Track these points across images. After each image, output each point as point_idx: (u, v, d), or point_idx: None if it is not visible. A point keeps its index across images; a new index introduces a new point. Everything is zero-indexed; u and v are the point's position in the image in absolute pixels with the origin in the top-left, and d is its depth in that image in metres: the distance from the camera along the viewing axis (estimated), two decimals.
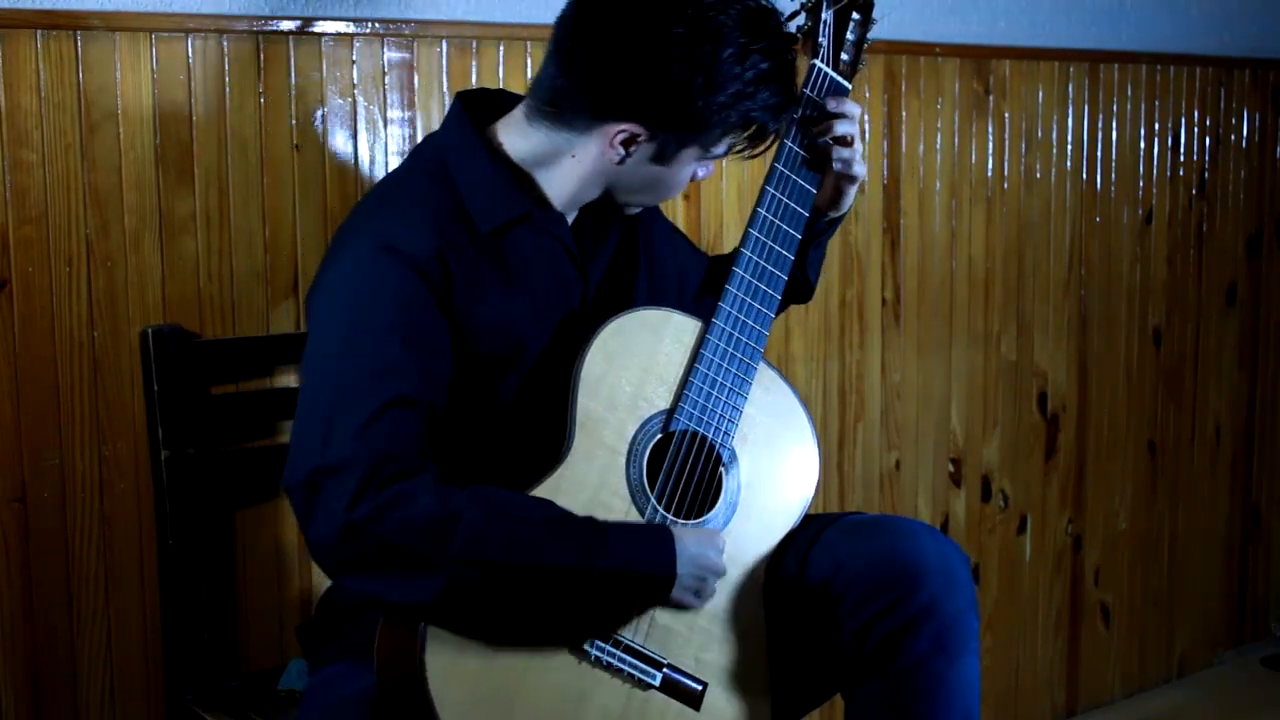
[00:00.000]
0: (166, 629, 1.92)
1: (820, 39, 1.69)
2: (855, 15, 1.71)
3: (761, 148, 1.62)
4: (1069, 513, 3.08)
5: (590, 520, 1.50)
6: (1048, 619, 3.07)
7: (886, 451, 2.75)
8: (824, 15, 1.69)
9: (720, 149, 1.59)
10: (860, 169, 1.70)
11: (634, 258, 1.72)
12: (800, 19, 1.70)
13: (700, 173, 1.63)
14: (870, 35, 1.74)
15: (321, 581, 2.03)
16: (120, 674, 1.96)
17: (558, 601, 1.47)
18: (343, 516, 1.40)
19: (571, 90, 1.54)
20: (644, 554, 1.50)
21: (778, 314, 1.84)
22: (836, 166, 1.67)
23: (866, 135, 1.73)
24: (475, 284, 1.54)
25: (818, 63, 1.69)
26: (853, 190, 1.75)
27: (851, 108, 1.68)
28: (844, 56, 1.71)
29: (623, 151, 1.56)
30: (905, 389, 2.76)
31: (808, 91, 1.67)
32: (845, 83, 1.70)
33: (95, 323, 1.91)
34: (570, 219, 1.66)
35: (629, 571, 1.49)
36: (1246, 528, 3.47)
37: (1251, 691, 3.28)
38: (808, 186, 1.68)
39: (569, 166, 1.60)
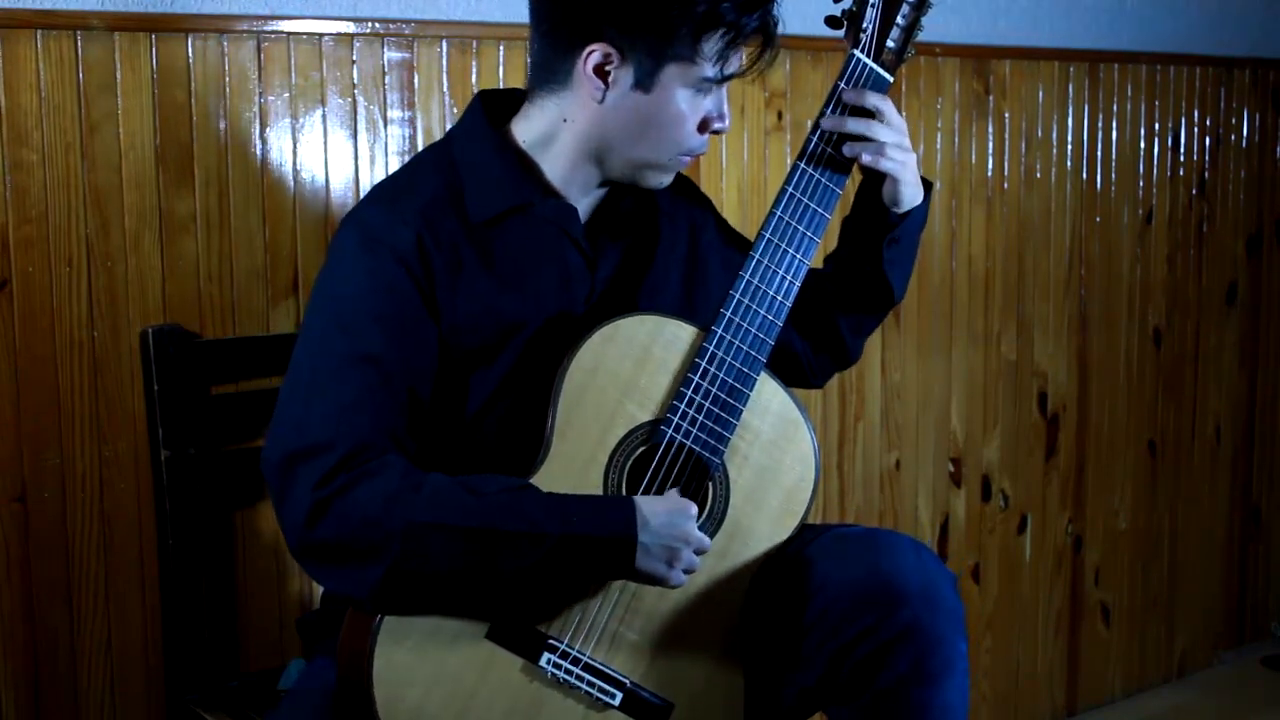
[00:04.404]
0: (166, 629, 1.92)
1: (865, 25, 1.59)
2: (909, 0, 1.60)
3: (751, 64, 1.56)
4: (1069, 513, 3.08)
5: (551, 494, 1.47)
6: (1048, 619, 3.07)
7: (886, 451, 2.75)
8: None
9: (707, 70, 1.51)
10: (889, 164, 1.59)
11: (649, 257, 1.67)
12: (846, 2, 1.61)
13: (712, 112, 1.55)
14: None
15: None
16: (120, 674, 1.96)
17: (516, 573, 1.43)
18: (312, 496, 1.42)
19: (543, 34, 1.56)
20: (603, 518, 1.45)
21: (865, 322, 1.79)
22: (865, 160, 1.58)
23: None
24: (457, 275, 1.53)
25: (857, 52, 1.58)
26: (901, 188, 1.62)
27: (879, 101, 1.58)
28: (890, 45, 1.60)
29: (601, 85, 1.53)
30: (905, 389, 2.76)
31: (843, 84, 1.59)
32: (887, 75, 1.59)
33: (95, 323, 1.91)
34: (585, 212, 1.63)
35: (588, 536, 1.44)
36: (1246, 528, 3.47)
37: (1251, 691, 3.28)
38: (832, 187, 1.58)
39: (566, 136, 1.57)
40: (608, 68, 1.52)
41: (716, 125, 1.57)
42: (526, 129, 1.60)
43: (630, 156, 1.57)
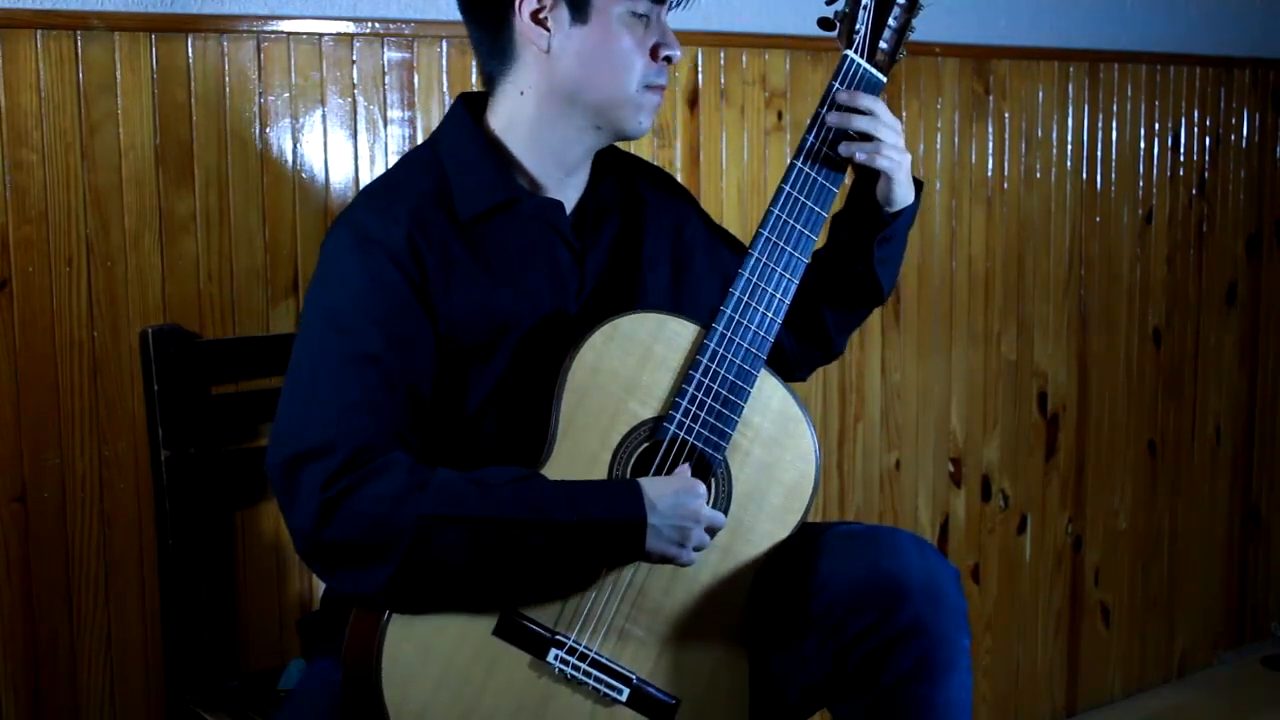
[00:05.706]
0: (166, 629, 1.92)
1: (858, 26, 1.60)
2: (900, 1, 1.61)
3: None
4: (1069, 513, 3.08)
5: (558, 481, 1.48)
6: (1048, 619, 3.07)
7: (886, 451, 2.75)
8: (865, 0, 1.60)
9: None
10: (885, 162, 1.60)
11: (636, 251, 1.68)
12: (839, 4, 1.62)
13: (659, 40, 1.57)
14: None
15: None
16: (120, 674, 1.96)
17: (527, 562, 1.44)
18: (319, 496, 1.42)
19: (474, 15, 1.60)
20: (611, 502, 1.46)
21: (852, 318, 1.80)
22: (860, 158, 1.58)
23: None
24: (450, 273, 1.54)
25: (850, 53, 1.59)
26: (895, 187, 1.63)
27: (871, 103, 1.59)
28: (883, 45, 1.61)
29: (544, 31, 1.55)
30: (905, 389, 2.76)
31: (836, 84, 1.59)
32: (880, 76, 1.61)
33: (95, 323, 1.91)
34: (569, 205, 1.64)
35: (597, 522, 1.45)
36: (1246, 528, 3.47)
37: (1251, 691, 3.28)
38: (828, 186, 1.59)
39: (527, 107, 1.59)
40: (542, 13, 1.55)
41: (666, 52, 1.59)
42: (495, 118, 1.63)
43: (595, 99, 1.58)
